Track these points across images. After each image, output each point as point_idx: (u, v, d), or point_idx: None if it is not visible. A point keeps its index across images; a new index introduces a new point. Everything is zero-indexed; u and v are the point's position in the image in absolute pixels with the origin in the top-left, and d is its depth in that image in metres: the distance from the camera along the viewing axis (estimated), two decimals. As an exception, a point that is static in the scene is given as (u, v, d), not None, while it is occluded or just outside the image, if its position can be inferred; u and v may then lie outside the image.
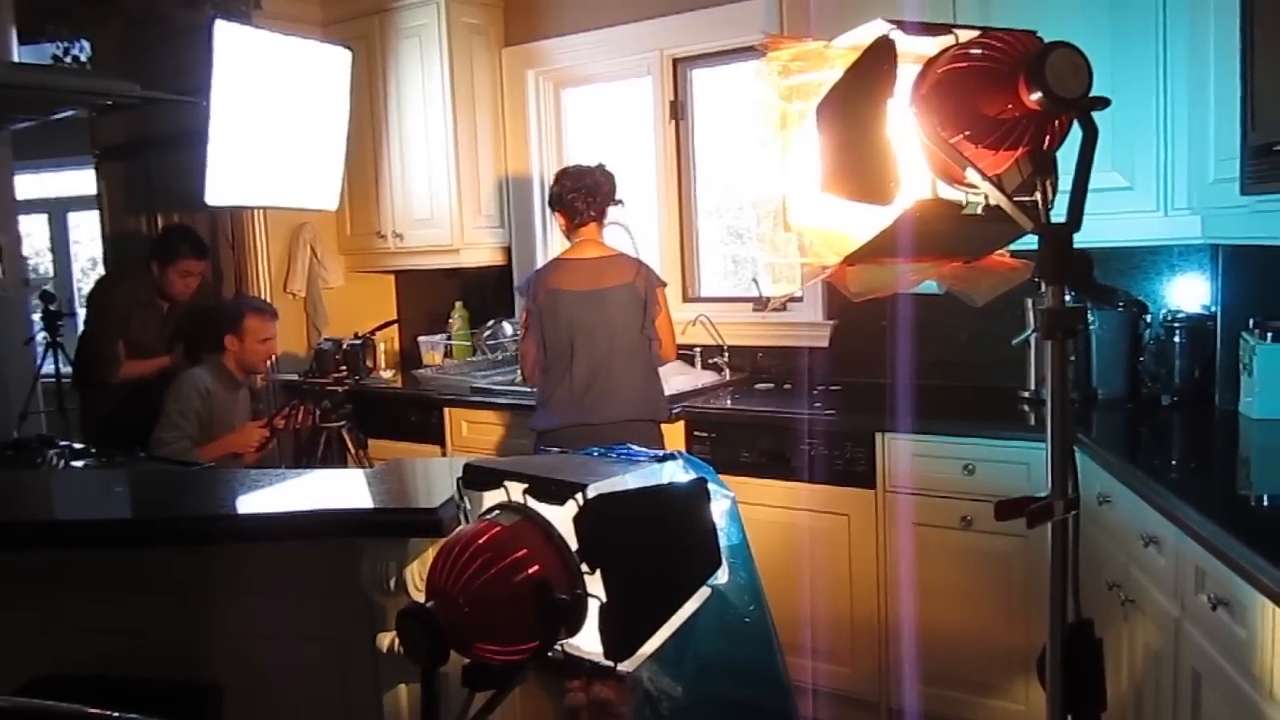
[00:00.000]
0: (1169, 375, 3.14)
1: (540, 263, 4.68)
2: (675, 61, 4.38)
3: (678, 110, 4.41)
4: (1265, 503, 2.32)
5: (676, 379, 4.06)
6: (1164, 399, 3.14)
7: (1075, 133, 1.12)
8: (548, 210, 4.72)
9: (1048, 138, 1.11)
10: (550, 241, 4.81)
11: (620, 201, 3.58)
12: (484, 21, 4.72)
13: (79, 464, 2.98)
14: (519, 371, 3.83)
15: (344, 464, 3.86)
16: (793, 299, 4.06)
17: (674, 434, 3.66)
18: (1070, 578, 1.16)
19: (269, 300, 4.50)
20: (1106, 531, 2.59)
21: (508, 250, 4.87)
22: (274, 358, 4.25)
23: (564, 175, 3.53)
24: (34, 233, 7.81)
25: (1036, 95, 1.04)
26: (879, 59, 1.12)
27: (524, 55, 4.75)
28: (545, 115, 4.83)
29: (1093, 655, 1.18)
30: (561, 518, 1.18)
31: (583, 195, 3.46)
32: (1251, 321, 2.88)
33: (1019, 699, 3.07)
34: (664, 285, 3.57)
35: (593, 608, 1.18)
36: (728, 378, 4.19)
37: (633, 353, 3.45)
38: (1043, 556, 1.17)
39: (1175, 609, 2.11)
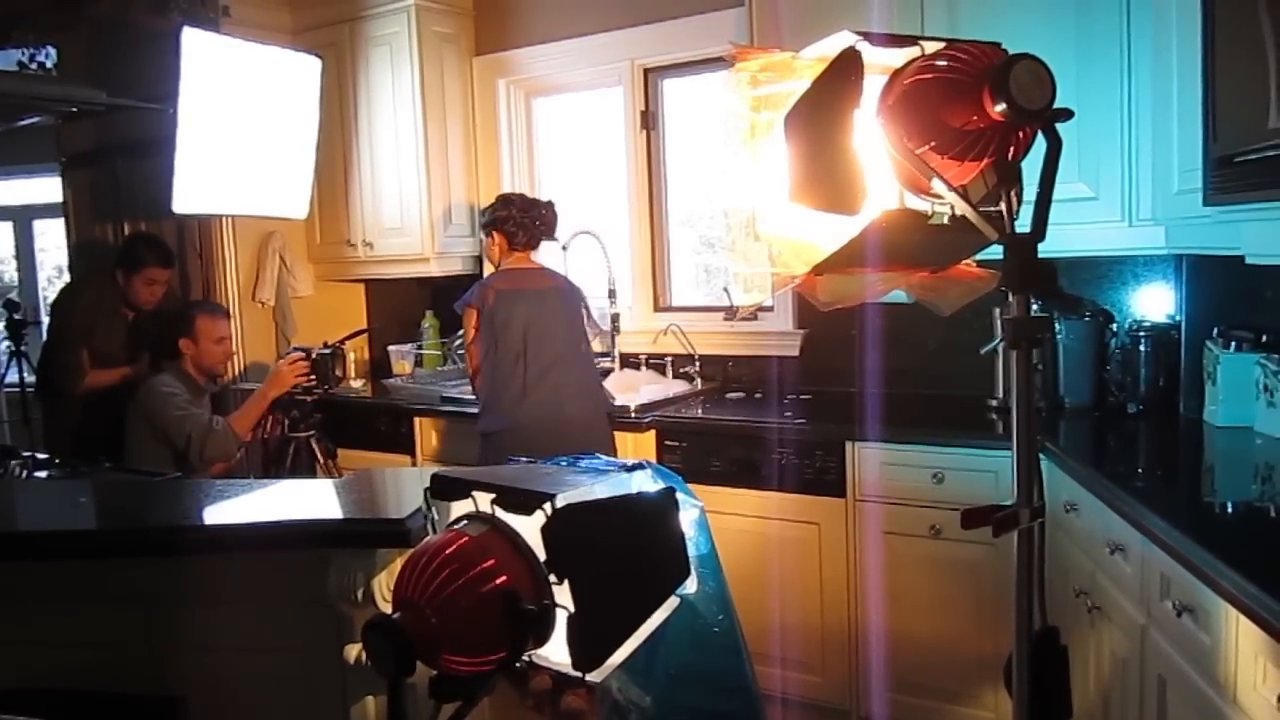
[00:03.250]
0: (1134, 384, 3.17)
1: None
2: (646, 71, 4.39)
3: (649, 120, 4.41)
4: (1229, 510, 2.35)
5: (647, 388, 4.06)
6: (1130, 407, 3.17)
7: (1040, 144, 1.13)
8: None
9: (1012, 149, 1.12)
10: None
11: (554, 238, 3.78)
12: (455, 30, 4.71)
13: (42, 474, 2.94)
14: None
15: (313, 474, 3.83)
16: (763, 308, 4.07)
17: (645, 443, 3.67)
18: (1036, 585, 1.17)
19: (236, 309, 4.46)
20: (1073, 539, 2.61)
21: (478, 259, 4.85)
22: (232, 359, 4.21)
23: (509, 202, 3.67)
24: (-1, 241, 7.73)
25: (1001, 107, 1.05)
26: (846, 70, 1.12)
27: (495, 64, 4.75)
28: (516, 124, 4.82)
29: (1058, 662, 1.19)
30: (529, 528, 1.17)
31: (525, 228, 3.63)
32: (1215, 330, 2.92)
33: (988, 706, 3.09)
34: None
35: (561, 618, 1.17)
36: (699, 387, 4.19)
37: (577, 348, 3.59)
38: (1011, 564, 1.18)
39: (1141, 616, 2.13)
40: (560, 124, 4.90)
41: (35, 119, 4.47)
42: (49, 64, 4.53)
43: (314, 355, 3.85)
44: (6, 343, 5.33)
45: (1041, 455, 2.60)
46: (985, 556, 2.98)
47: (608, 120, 4.59)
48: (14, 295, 6.60)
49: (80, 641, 2.08)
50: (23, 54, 4.49)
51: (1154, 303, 3.35)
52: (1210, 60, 2.21)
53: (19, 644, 2.10)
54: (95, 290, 4.27)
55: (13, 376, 5.33)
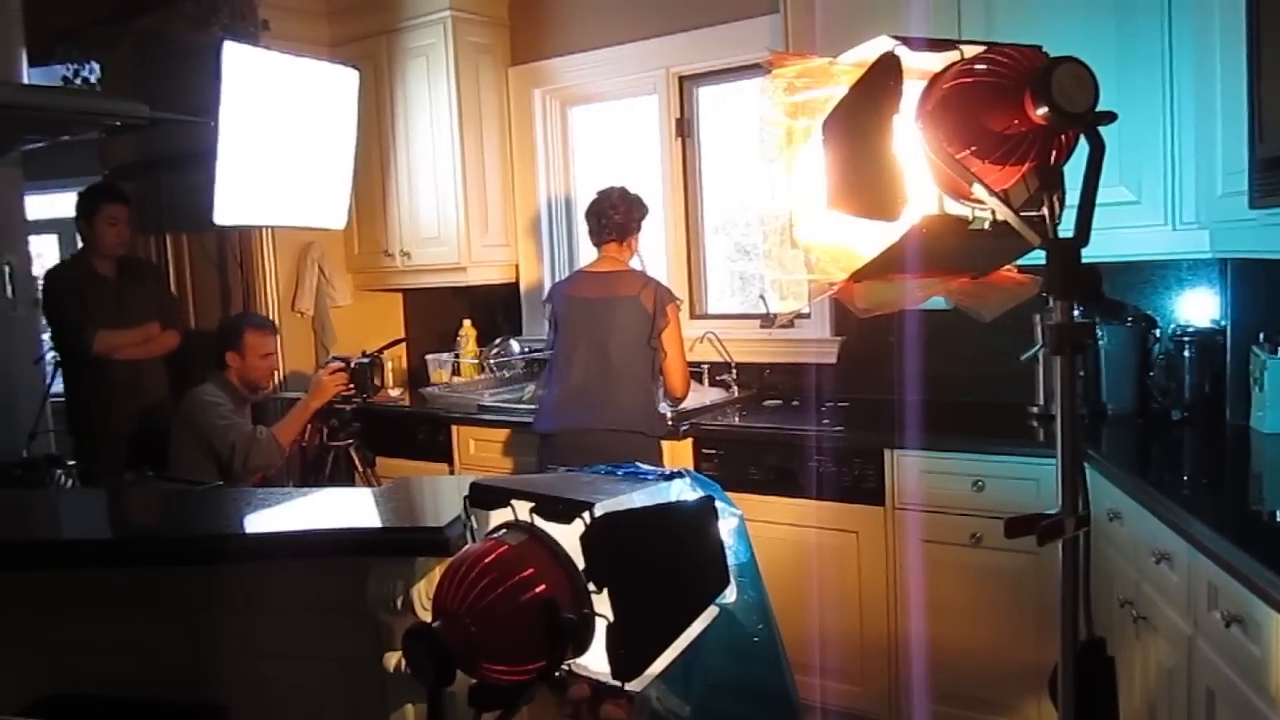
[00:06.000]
0: (1179, 390, 3.13)
1: (547, 280, 4.71)
2: (681, 79, 4.39)
3: (684, 128, 4.41)
4: (1278, 518, 2.30)
5: (684, 396, 4.05)
6: (1174, 414, 3.12)
7: (1082, 147, 1.11)
8: (555, 227, 4.79)
9: (1054, 152, 1.11)
10: (558, 259, 4.82)
11: (636, 230, 3.65)
12: (490, 41, 4.74)
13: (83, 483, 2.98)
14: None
15: (351, 483, 3.86)
16: (800, 316, 4.05)
17: (682, 451, 3.65)
18: (1082, 595, 1.15)
19: (276, 319, 4.50)
20: (1117, 548, 2.57)
21: (515, 268, 4.88)
22: (276, 373, 4.24)
23: (597, 198, 3.62)
24: (44, 253, 7.84)
25: (1043, 110, 1.04)
26: (885, 75, 1.11)
27: (530, 74, 4.77)
28: (552, 133, 4.84)
29: (1105, 674, 1.17)
30: (568, 536, 1.17)
31: (590, 224, 3.60)
32: (1261, 335, 2.87)
33: (1031, 718, 3.05)
34: (676, 302, 3.60)
35: (600, 627, 1.17)
36: (735, 395, 4.18)
37: (628, 364, 3.49)
38: (1054, 574, 1.16)
39: (1188, 626, 2.09)
40: (596, 132, 4.92)
41: (79, 133, 4.54)
42: (93, 79, 4.62)
43: (353, 365, 3.88)
44: (51, 353, 5.41)
45: (1085, 463, 2.57)
46: (1027, 565, 2.94)
47: (643, 128, 4.60)
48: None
49: (122, 648, 2.11)
50: (67, 69, 4.58)
51: (1198, 307, 3.30)
52: (1255, 60, 2.18)
53: (63, 650, 2.14)
54: (71, 261, 4.39)
55: (58, 386, 5.40)
